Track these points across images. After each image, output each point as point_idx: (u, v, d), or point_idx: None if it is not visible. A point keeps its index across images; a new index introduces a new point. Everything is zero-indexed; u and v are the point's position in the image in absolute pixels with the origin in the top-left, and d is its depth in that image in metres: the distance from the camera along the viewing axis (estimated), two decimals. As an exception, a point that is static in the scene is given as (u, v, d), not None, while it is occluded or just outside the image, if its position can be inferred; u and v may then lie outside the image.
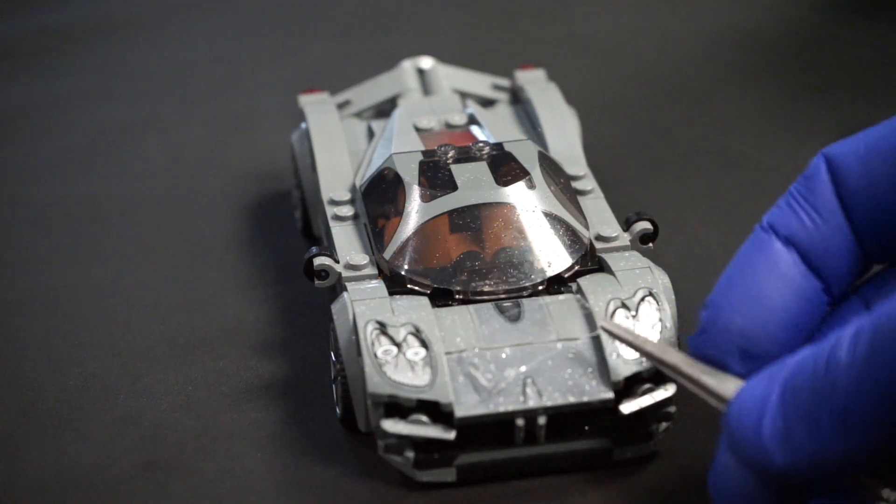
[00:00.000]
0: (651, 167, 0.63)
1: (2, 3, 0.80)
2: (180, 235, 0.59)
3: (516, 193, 0.49)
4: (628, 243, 0.50)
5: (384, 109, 0.58)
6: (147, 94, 0.71)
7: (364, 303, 0.46)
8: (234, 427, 0.48)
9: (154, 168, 0.64)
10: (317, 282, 0.49)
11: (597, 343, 0.45)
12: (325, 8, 0.80)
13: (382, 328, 0.45)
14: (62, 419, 0.49)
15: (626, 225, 0.50)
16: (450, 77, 0.60)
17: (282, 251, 0.58)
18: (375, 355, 0.45)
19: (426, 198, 0.49)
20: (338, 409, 0.48)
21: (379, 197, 0.50)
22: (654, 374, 0.45)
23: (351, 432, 0.48)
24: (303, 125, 0.57)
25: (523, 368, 0.45)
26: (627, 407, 0.45)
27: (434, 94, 0.59)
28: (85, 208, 0.61)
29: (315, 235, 0.57)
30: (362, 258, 0.49)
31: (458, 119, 0.55)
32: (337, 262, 0.49)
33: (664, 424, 0.46)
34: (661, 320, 0.46)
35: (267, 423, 0.49)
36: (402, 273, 0.48)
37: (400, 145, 0.52)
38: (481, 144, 0.51)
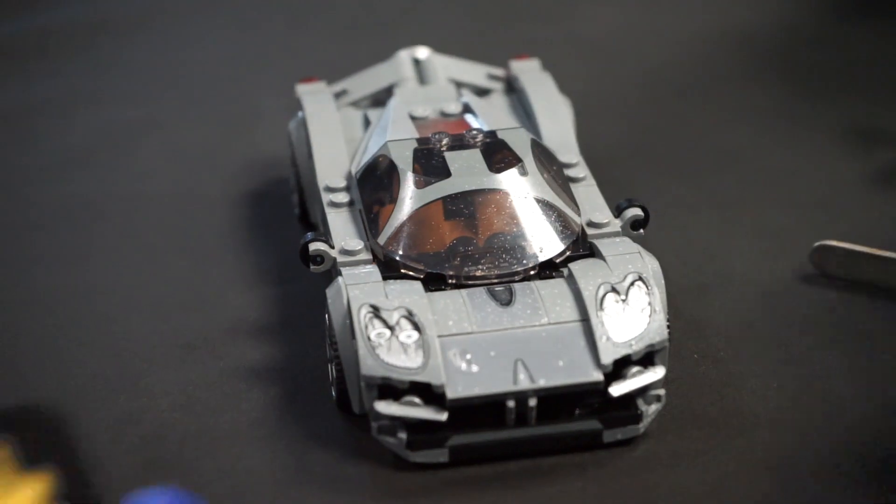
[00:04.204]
0: (651, 167, 0.63)
1: (2, 3, 0.80)
2: (180, 235, 0.59)
3: (509, 180, 0.49)
4: (619, 229, 0.50)
5: (380, 98, 0.59)
6: (147, 94, 0.71)
7: (358, 287, 0.47)
8: (234, 427, 0.48)
9: (154, 168, 0.64)
10: (312, 267, 0.49)
11: (587, 327, 0.46)
12: (325, 6, 0.80)
13: (376, 311, 0.46)
14: (62, 419, 0.49)
15: (618, 211, 0.51)
16: (445, 67, 0.60)
17: (282, 251, 0.58)
18: (369, 338, 0.45)
19: (420, 184, 0.49)
20: (333, 392, 0.48)
21: (374, 184, 0.51)
22: (644, 358, 0.46)
23: (347, 416, 0.48)
24: (300, 114, 0.58)
25: (514, 351, 0.45)
26: (617, 389, 0.45)
27: (429, 83, 0.59)
28: (85, 208, 0.61)
29: (312, 222, 0.57)
30: (357, 243, 0.49)
31: (453, 108, 0.56)
32: (332, 247, 0.49)
33: (654, 407, 0.46)
34: (650, 304, 0.46)
35: (267, 422, 0.49)
36: (396, 258, 0.48)
37: (395, 133, 0.53)
38: (475, 132, 0.52)
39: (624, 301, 0.46)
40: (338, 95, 0.59)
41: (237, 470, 0.47)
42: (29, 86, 0.72)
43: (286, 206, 0.60)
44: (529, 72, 0.59)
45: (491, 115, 0.55)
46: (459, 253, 0.48)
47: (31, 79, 0.73)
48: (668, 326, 0.46)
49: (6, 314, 0.55)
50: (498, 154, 0.51)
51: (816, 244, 0.54)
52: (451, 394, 0.45)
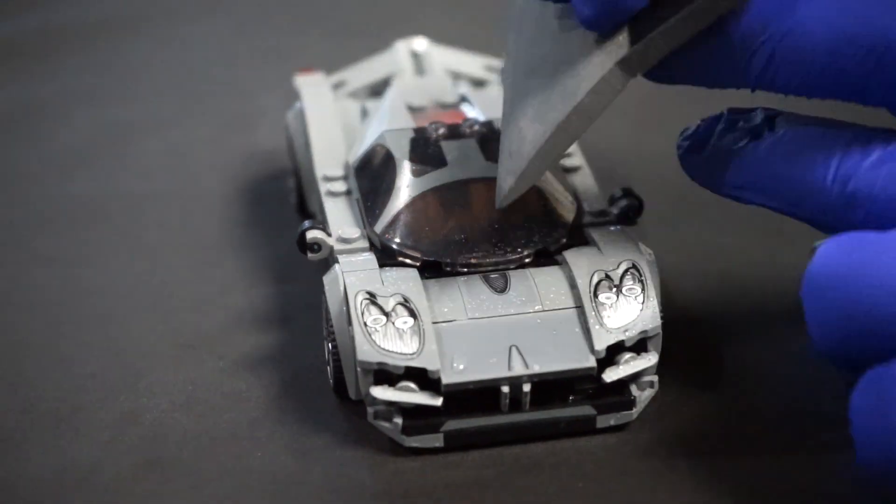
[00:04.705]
0: (651, 163, 0.63)
1: (2, 3, 0.80)
2: (180, 235, 0.59)
3: None
4: (614, 219, 0.50)
5: (378, 89, 0.59)
6: (147, 94, 0.71)
7: (354, 274, 0.47)
8: (234, 427, 0.48)
9: (154, 168, 0.64)
10: (309, 254, 0.50)
11: (581, 313, 0.46)
12: (325, 6, 0.80)
13: (372, 298, 0.46)
14: (62, 419, 0.49)
15: (612, 201, 0.51)
16: (442, 57, 0.61)
17: (282, 251, 0.58)
18: (365, 324, 0.45)
19: (416, 173, 0.50)
20: (330, 379, 0.49)
21: (370, 173, 0.51)
22: (637, 344, 0.46)
23: (345, 407, 0.48)
24: (298, 104, 0.58)
25: (509, 338, 0.46)
26: (610, 375, 0.45)
27: (427, 74, 0.60)
28: (85, 208, 0.61)
29: (309, 212, 0.57)
30: (354, 231, 0.50)
31: (450, 98, 0.56)
32: (329, 235, 0.50)
33: (647, 392, 0.46)
34: (643, 291, 0.47)
35: (267, 422, 0.48)
36: (393, 246, 0.49)
37: (392, 123, 0.53)
38: (471, 122, 0.52)
39: (617, 288, 0.47)
40: (336, 86, 0.59)
41: (237, 470, 0.46)
42: (29, 86, 0.72)
43: (286, 205, 0.60)
44: None
45: (487, 106, 0.55)
46: (455, 241, 0.48)
47: (31, 79, 0.73)
48: (661, 313, 0.47)
49: (6, 314, 0.55)
50: (493, 143, 0.50)
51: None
52: (446, 379, 0.45)
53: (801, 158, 0.44)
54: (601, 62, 0.45)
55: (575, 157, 0.54)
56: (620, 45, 0.45)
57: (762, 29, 0.43)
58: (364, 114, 0.57)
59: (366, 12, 0.79)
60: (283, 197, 0.61)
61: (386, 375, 0.45)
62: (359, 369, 0.45)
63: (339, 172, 0.53)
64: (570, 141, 0.46)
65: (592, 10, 0.44)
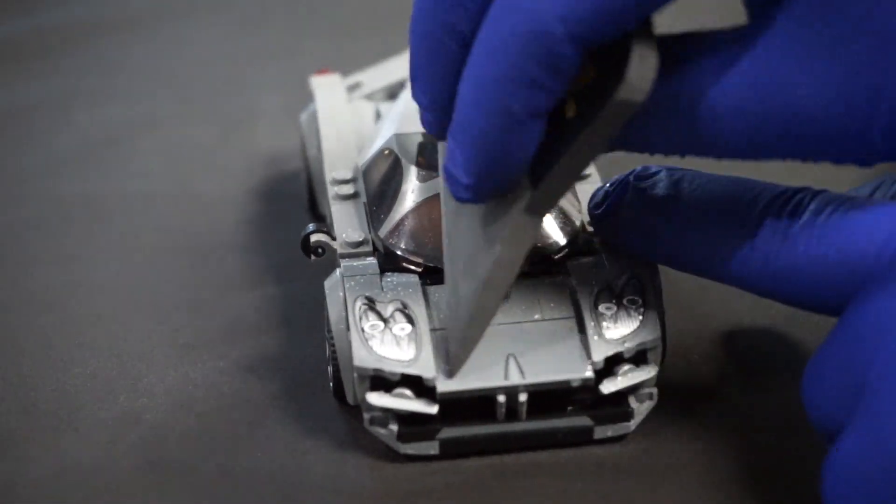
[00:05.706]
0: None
1: (2, 3, 0.80)
2: (180, 235, 0.59)
3: None
4: None
5: (394, 91, 0.59)
6: (147, 94, 0.71)
7: (354, 279, 0.47)
8: (234, 427, 0.48)
9: (154, 168, 0.64)
10: (313, 258, 0.50)
11: (580, 324, 0.46)
12: (326, 5, 0.80)
13: (371, 304, 0.46)
14: (62, 419, 0.49)
15: None
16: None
17: (282, 251, 0.58)
18: (363, 330, 0.45)
19: (423, 178, 0.50)
20: (331, 383, 0.49)
21: (378, 176, 0.51)
22: (637, 356, 0.46)
23: (346, 411, 0.48)
24: (311, 105, 0.58)
25: (506, 346, 0.45)
26: (607, 387, 0.45)
27: (441, 77, 0.60)
28: (85, 208, 0.61)
29: (320, 212, 0.57)
30: (359, 235, 0.50)
31: None
32: (334, 238, 0.50)
33: (645, 405, 0.46)
34: (644, 302, 0.46)
35: (267, 422, 0.48)
36: (397, 251, 0.49)
37: (402, 126, 0.52)
38: None
39: (618, 299, 0.46)
40: (351, 88, 0.59)
41: (237, 470, 0.46)
42: (29, 86, 0.72)
43: (286, 205, 0.61)
44: None
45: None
46: None
47: (31, 79, 0.73)
48: (663, 326, 0.46)
49: (6, 314, 0.55)
50: None
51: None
52: (441, 387, 0.45)
53: (714, 236, 0.45)
54: (508, 211, 0.43)
55: None
56: (523, 190, 0.43)
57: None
58: (378, 116, 0.57)
59: (371, 13, 0.79)
60: (284, 197, 0.61)
61: (382, 381, 0.45)
62: (355, 375, 0.45)
63: (349, 175, 0.53)
64: (502, 293, 0.44)
65: (469, 196, 0.43)
